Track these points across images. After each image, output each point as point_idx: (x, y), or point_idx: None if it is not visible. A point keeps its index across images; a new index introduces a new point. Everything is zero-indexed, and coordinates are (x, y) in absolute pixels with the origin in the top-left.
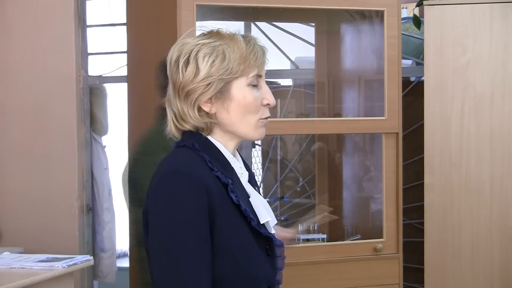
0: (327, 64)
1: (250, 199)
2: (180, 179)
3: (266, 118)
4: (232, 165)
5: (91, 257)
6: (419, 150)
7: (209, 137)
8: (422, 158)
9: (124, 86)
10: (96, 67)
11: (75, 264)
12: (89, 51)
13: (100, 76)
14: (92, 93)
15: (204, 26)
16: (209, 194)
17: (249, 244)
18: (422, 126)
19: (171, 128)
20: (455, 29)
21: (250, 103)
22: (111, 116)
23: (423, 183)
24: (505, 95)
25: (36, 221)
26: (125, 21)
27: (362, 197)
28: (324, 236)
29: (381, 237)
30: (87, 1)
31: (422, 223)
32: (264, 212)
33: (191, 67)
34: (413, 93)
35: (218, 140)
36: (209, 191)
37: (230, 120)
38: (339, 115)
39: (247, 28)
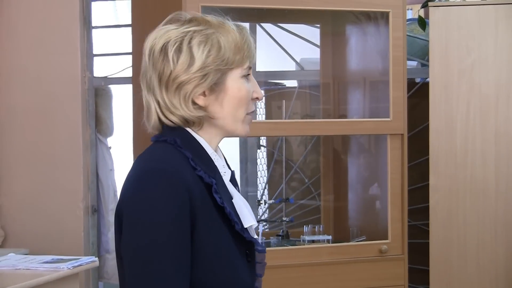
0: (332, 65)
1: (233, 200)
2: (161, 180)
3: (252, 112)
4: (215, 163)
5: (96, 258)
6: (425, 151)
7: (192, 132)
8: (427, 160)
9: (129, 87)
10: (101, 68)
11: (80, 265)
12: (94, 52)
13: (105, 77)
14: (97, 94)
15: (179, 12)
16: (191, 197)
17: (230, 249)
18: (427, 127)
19: (155, 122)
20: (460, 30)
21: (244, 96)
22: (116, 117)
23: (428, 184)
24: (510, 96)
25: (41, 222)
26: (130, 22)
27: (367, 198)
28: (329, 237)
29: (386, 238)
30: (92, 3)
31: (427, 225)
32: (248, 215)
33: (184, 56)
34: (418, 94)
35: (202, 135)
36: (191, 193)
37: (222, 113)
38: (344, 116)
39: (252, 29)
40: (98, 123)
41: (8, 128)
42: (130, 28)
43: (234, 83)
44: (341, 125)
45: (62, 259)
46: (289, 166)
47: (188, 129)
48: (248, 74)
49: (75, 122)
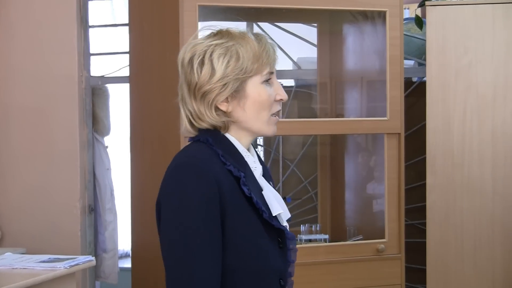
0: (330, 64)
1: (262, 192)
2: (189, 172)
3: (277, 112)
4: (246, 159)
5: (93, 258)
6: (421, 150)
7: (225, 134)
8: (424, 159)
9: (126, 87)
10: (98, 67)
11: (77, 264)
12: (91, 52)
13: (102, 76)
14: (94, 93)
15: (213, 25)
16: (220, 187)
17: (260, 237)
18: (424, 126)
19: (187, 127)
20: (457, 29)
21: (265, 100)
22: (113, 117)
23: (425, 183)
24: (507, 95)
25: (38, 221)
26: (127, 22)
27: (364, 198)
28: (326, 236)
29: (383, 237)
30: (89, 2)
31: (424, 224)
32: (276, 204)
33: (206, 68)
34: (415, 93)
35: (234, 136)
36: (219, 184)
37: (245, 117)
38: (342, 115)
39: (249, 29)
40: (95, 122)
41: (4, 127)
42: (127, 27)
43: (254, 89)
44: (338, 125)
45: (58, 258)
46: (286, 165)
47: (222, 133)
48: (269, 79)
49: (72, 121)
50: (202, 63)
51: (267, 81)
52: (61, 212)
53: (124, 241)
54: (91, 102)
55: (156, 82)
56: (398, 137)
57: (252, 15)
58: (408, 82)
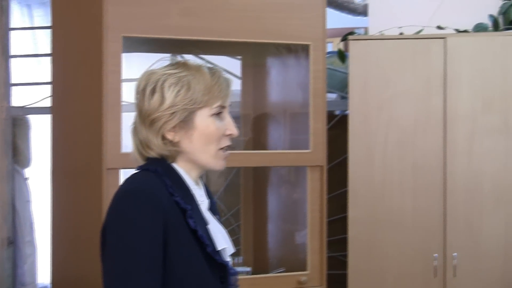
0: (253, 97)
1: (208, 226)
2: (137, 199)
3: (227, 147)
4: (193, 192)
5: None
6: (344, 183)
7: (173, 164)
8: (347, 191)
9: (47, 118)
10: (19, 98)
11: None
12: (12, 82)
13: (24, 107)
14: (15, 124)
15: (168, 56)
16: (165, 217)
17: (202, 270)
18: (346, 159)
19: (135, 155)
20: (380, 63)
21: (212, 133)
22: (34, 148)
23: (347, 215)
24: (427, 128)
25: None
26: (50, 52)
27: (287, 230)
28: (249, 269)
29: (305, 269)
30: (11, 31)
31: (346, 256)
32: (221, 239)
33: (156, 96)
34: (337, 126)
35: (182, 168)
36: (165, 213)
37: (192, 148)
38: (265, 147)
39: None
40: (16, 153)
41: None
42: (49, 58)
43: (203, 121)
44: (261, 157)
45: None
46: None
47: (169, 162)
48: (220, 113)
49: None
50: (153, 91)
51: (218, 114)
52: None
53: (43, 275)
54: (12, 133)
55: (79, 113)
56: (321, 170)
57: (177, 47)
58: (330, 115)
